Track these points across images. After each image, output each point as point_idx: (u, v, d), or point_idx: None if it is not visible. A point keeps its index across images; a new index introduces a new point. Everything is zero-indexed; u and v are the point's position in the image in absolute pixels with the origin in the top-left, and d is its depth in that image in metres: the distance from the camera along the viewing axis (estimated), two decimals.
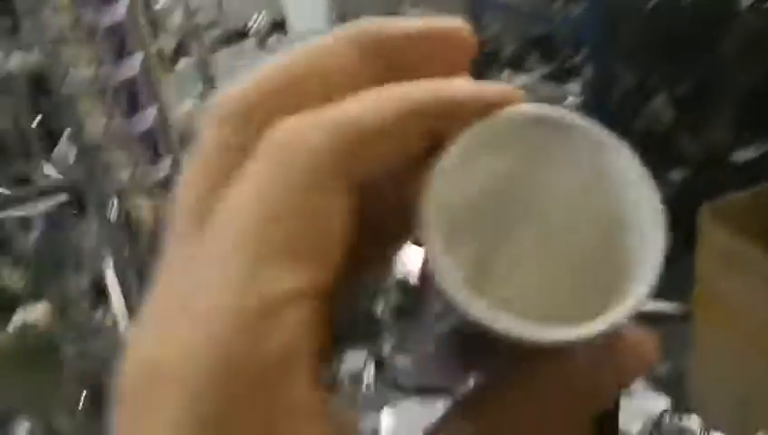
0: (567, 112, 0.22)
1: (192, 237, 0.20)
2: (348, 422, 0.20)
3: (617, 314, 0.20)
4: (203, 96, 0.97)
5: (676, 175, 3.01)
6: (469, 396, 0.22)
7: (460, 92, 0.22)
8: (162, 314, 0.19)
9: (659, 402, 1.03)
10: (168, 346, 0.18)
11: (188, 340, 0.18)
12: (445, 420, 0.21)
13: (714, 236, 1.84)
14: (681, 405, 1.03)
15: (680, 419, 1.00)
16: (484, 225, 0.22)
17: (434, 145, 0.21)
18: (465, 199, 0.21)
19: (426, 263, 0.20)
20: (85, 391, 0.61)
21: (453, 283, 0.19)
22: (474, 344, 0.21)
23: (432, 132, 0.21)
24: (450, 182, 0.21)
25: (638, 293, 0.20)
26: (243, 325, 0.18)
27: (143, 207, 0.48)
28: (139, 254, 0.50)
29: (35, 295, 0.71)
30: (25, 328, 0.83)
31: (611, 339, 0.20)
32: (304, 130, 0.20)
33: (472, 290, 0.19)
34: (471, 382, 0.23)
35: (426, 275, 0.21)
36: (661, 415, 1.00)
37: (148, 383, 0.18)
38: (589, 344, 0.20)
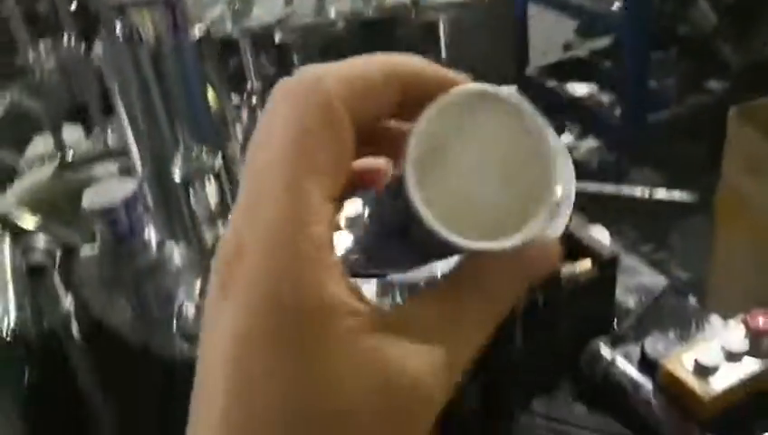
0: (501, 88, 0.31)
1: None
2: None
3: (527, 233, 0.30)
4: (230, 2, 1.00)
5: (717, 83, 2.96)
6: (433, 281, 0.33)
7: (428, 70, 0.31)
8: (246, 205, 0.28)
9: (659, 280, 1.06)
10: (249, 229, 0.28)
11: (263, 226, 0.28)
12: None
13: (740, 137, 1.83)
14: (682, 287, 1.06)
15: (679, 296, 1.03)
16: (439, 166, 0.30)
17: (404, 108, 0.31)
18: (433, 145, 0.30)
19: (402, 186, 0.29)
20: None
21: (423, 209, 0.29)
22: (431, 247, 0.31)
23: (405, 95, 0.31)
24: (422, 137, 0.29)
25: (543, 218, 0.31)
26: (298, 219, 0.27)
27: (146, 23, 0.52)
28: (142, 70, 0.54)
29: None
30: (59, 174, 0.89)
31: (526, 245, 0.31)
32: (321, 77, 0.29)
33: (437, 213, 0.29)
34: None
35: (399, 193, 0.30)
36: (661, 292, 1.03)
37: (236, 252, 0.28)
38: (501, 253, 0.30)
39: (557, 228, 0.35)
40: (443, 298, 0.31)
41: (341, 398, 0.28)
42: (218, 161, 0.53)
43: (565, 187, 0.33)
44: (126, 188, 0.59)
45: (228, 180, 0.55)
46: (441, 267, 0.34)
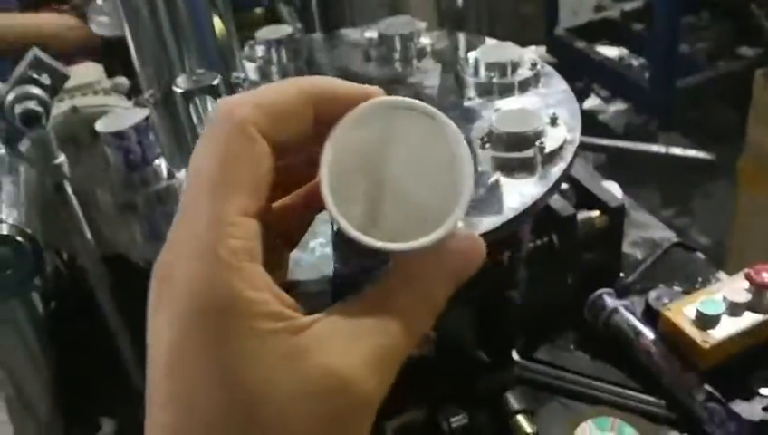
0: (413, 100, 0.32)
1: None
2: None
3: (435, 236, 0.31)
4: None
5: (749, 49, 2.91)
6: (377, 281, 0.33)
7: (341, 87, 0.33)
8: (176, 226, 0.31)
9: (669, 235, 1.06)
10: (177, 246, 0.30)
11: (187, 241, 0.30)
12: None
13: (765, 99, 1.81)
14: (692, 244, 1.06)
15: (688, 251, 1.04)
16: (361, 175, 0.32)
17: (323, 128, 0.32)
18: (348, 157, 0.32)
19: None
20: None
21: (342, 220, 0.31)
22: (359, 250, 0.32)
23: (319, 113, 0.32)
24: (338, 148, 0.31)
25: (449, 223, 0.32)
26: (217, 233, 0.29)
27: None
28: None
29: None
30: (75, 109, 0.91)
31: (445, 244, 0.32)
32: (235, 107, 0.31)
33: (356, 223, 0.31)
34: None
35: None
36: (670, 247, 1.04)
37: (167, 267, 0.30)
38: (422, 252, 0.32)
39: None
40: (373, 297, 0.32)
41: (268, 404, 0.28)
42: (217, 80, 0.55)
43: (470, 187, 0.33)
44: (138, 115, 0.61)
45: None
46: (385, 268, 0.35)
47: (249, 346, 0.29)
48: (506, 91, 0.76)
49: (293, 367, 0.29)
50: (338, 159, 0.31)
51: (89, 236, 0.72)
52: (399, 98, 0.33)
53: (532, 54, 0.80)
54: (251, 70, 0.87)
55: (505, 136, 0.65)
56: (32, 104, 0.63)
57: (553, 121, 0.67)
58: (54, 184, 0.69)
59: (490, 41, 0.88)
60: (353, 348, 0.30)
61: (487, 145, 0.65)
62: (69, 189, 0.69)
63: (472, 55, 0.79)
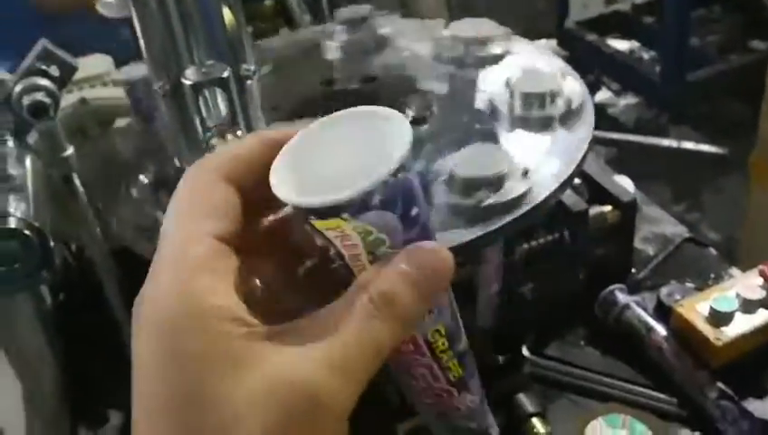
0: (372, 107, 0.35)
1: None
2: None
3: (348, 192, 0.31)
4: None
5: (761, 42, 2.90)
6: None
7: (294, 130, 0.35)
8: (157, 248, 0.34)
9: (681, 230, 1.05)
10: (152, 281, 0.32)
11: (161, 258, 0.33)
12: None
13: None
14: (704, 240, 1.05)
15: (700, 247, 1.03)
16: (308, 174, 0.34)
17: None
18: (297, 159, 0.34)
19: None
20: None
21: (282, 192, 0.32)
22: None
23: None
24: (288, 151, 0.35)
25: (367, 180, 0.31)
26: (184, 248, 0.32)
27: None
28: None
29: None
30: (84, 101, 0.91)
31: (411, 256, 0.33)
32: (212, 158, 0.36)
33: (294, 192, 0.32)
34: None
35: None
36: (681, 242, 1.03)
37: (142, 291, 0.33)
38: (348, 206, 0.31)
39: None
40: (335, 305, 0.33)
41: (224, 408, 0.29)
42: (227, 72, 0.54)
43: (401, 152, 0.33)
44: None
45: (239, 95, 0.56)
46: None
47: (206, 351, 0.30)
48: (528, 125, 0.73)
49: (249, 373, 0.30)
50: (287, 161, 0.34)
51: (97, 228, 0.72)
52: (364, 108, 0.35)
53: (579, 87, 0.76)
54: (332, 49, 0.89)
55: (460, 179, 0.63)
56: (40, 96, 0.64)
57: (525, 174, 0.64)
58: (62, 176, 0.69)
59: (545, 60, 0.85)
60: (309, 355, 0.31)
61: (442, 183, 0.64)
62: (77, 182, 0.69)
63: (513, 80, 0.76)
